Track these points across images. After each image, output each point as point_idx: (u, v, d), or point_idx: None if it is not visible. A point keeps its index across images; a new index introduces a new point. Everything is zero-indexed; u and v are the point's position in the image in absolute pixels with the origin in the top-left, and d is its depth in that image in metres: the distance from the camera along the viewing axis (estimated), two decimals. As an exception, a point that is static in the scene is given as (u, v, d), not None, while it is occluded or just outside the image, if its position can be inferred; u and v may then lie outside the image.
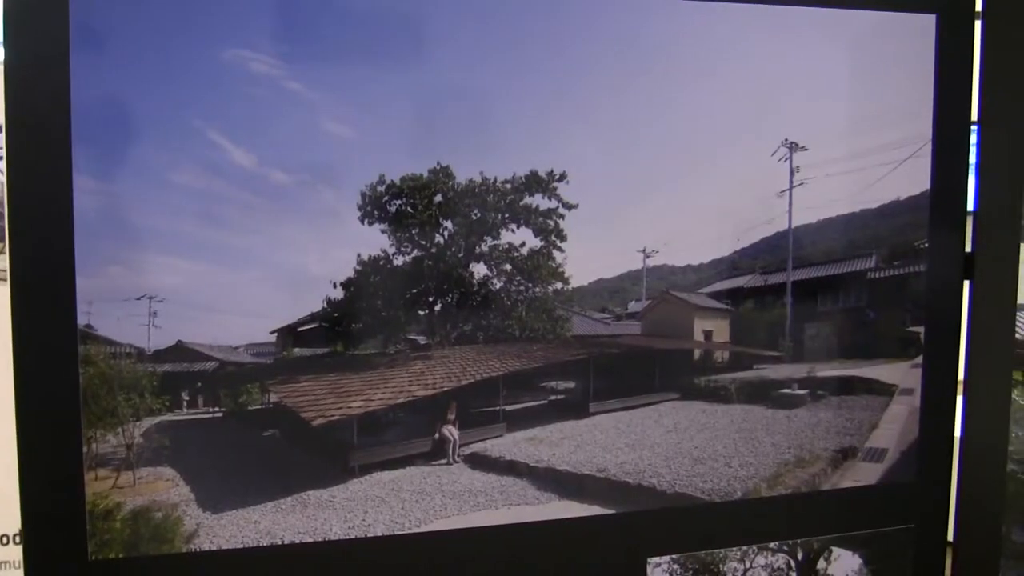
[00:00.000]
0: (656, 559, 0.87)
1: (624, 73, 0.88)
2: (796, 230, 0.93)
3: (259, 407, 0.81)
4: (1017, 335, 0.96)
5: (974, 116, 0.92)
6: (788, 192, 0.91)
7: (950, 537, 0.93)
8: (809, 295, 0.93)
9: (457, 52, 0.80)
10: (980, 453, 0.93)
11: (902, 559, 0.96)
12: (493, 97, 0.84)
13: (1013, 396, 0.93)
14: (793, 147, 0.92)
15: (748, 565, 0.92)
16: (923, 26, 0.92)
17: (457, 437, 0.85)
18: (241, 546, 0.75)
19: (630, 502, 0.88)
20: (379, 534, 0.81)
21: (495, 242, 0.87)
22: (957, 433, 0.93)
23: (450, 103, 0.82)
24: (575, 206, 0.88)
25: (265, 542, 0.77)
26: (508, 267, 0.89)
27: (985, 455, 0.93)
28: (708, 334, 0.91)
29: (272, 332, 0.79)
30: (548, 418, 0.88)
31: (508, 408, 0.88)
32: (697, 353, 0.91)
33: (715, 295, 0.91)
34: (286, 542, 0.77)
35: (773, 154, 0.92)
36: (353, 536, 0.80)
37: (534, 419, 0.89)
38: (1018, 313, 0.95)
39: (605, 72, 0.87)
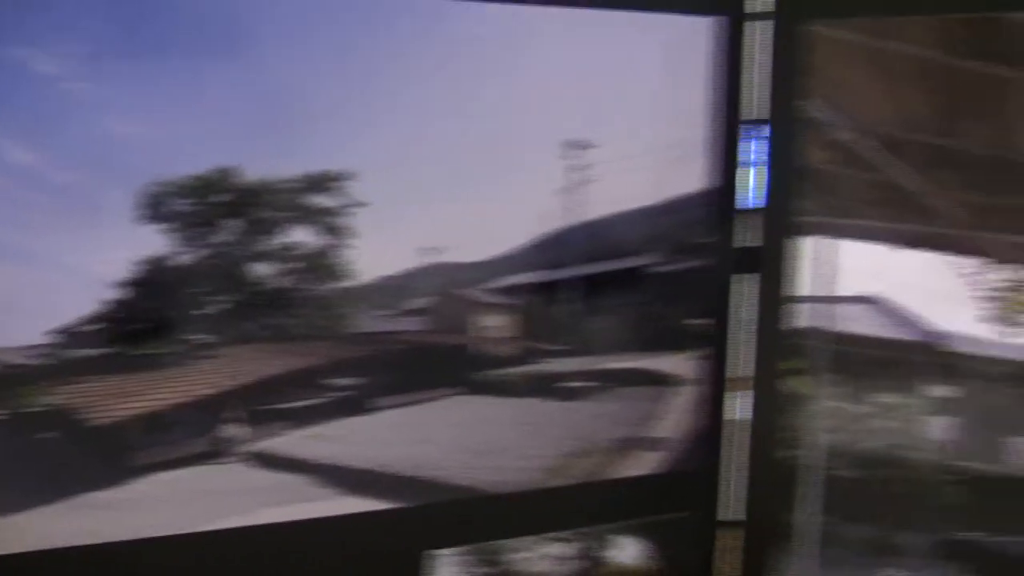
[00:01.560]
0: (438, 551, 0.96)
1: (419, 72, 0.98)
2: (584, 226, 1.04)
3: (35, 410, 0.87)
4: (797, 326, 1.08)
5: (756, 115, 1.04)
6: (577, 188, 1.02)
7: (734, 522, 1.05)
8: (596, 289, 1.04)
9: (250, 51, 0.87)
10: (766, 439, 1.05)
11: (682, 544, 1.07)
12: (286, 96, 0.92)
13: (795, 385, 1.05)
14: (582, 145, 1.02)
15: (536, 555, 1.02)
16: (703, 28, 1.03)
17: (241, 435, 0.94)
18: (12, 552, 0.79)
19: (413, 496, 0.98)
20: (160, 534, 0.88)
21: (280, 241, 0.96)
22: (736, 418, 1.05)
23: (242, 102, 0.90)
24: (364, 204, 0.97)
25: (41, 546, 0.82)
26: (294, 265, 0.97)
27: (770, 441, 1.05)
28: (493, 328, 1.01)
29: (50, 333, 0.85)
30: (332, 415, 0.98)
31: (292, 405, 0.97)
32: (483, 348, 1.01)
33: (502, 290, 1.01)
34: (62, 545, 0.82)
35: (563, 151, 1.02)
36: (132, 537, 0.87)
37: (318, 416, 0.98)
38: (797, 305, 1.07)
39: (400, 71, 0.97)
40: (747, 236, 1.26)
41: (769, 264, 1.27)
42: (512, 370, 1.20)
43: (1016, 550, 1.24)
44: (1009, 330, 1.23)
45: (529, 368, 1.21)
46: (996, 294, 1.26)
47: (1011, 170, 1.19)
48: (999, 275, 1.23)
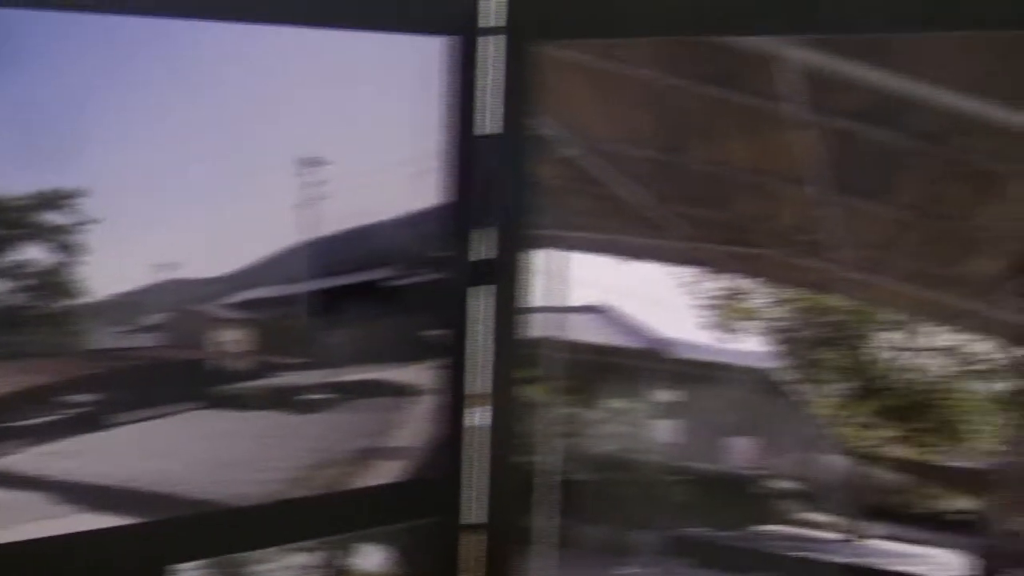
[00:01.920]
0: (180, 566, 2.36)
1: (151, 88, 2.34)
2: (321, 240, 2.49)
3: None
4: (532, 336, 2.60)
5: (491, 131, 2.55)
6: (312, 204, 2.49)
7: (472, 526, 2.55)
8: (334, 303, 2.50)
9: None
10: (504, 445, 2.56)
11: (427, 550, 2.57)
12: (17, 113, 2.20)
13: (531, 393, 2.58)
14: (316, 161, 2.49)
15: (279, 566, 2.48)
16: (436, 44, 2.53)
17: (-27, 455, 2.17)
18: None
19: (154, 511, 2.37)
20: None
21: (11, 258, 2.29)
22: (476, 425, 2.55)
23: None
24: (97, 221, 2.32)
25: None
26: (26, 283, 2.34)
27: (508, 447, 2.56)
28: (230, 343, 2.45)
29: None
30: (69, 431, 2.31)
31: (28, 423, 2.32)
32: (220, 362, 2.43)
33: (239, 305, 2.45)
34: None
35: (297, 168, 2.48)
36: None
37: (55, 433, 2.32)
38: (531, 316, 2.59)
39: (132, 87, 2.32)
40: (483, 249, 2.69)
41: (503, 276, 2.57)
42: (250, 384, 2.51)
43: (738, 543, 2.87)
44: (727, 336, 2.79)
45: (268, 382, 2.53)
46: (715, 302, 2.82)
47: (726, 185, 2.71)
48: (717, 284, 2.79)
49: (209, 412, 2.12)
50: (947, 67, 1.91)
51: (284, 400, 2.19)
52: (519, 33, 2.24)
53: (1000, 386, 2.30)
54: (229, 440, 2.14)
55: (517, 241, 2.30)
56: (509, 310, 2.21)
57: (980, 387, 2.32)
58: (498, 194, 2.17)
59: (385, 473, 2.25)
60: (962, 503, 2.66)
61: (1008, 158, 1.83)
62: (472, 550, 2.31)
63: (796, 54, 1.96)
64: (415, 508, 2.30)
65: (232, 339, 2.17)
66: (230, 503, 1.98)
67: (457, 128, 2.22)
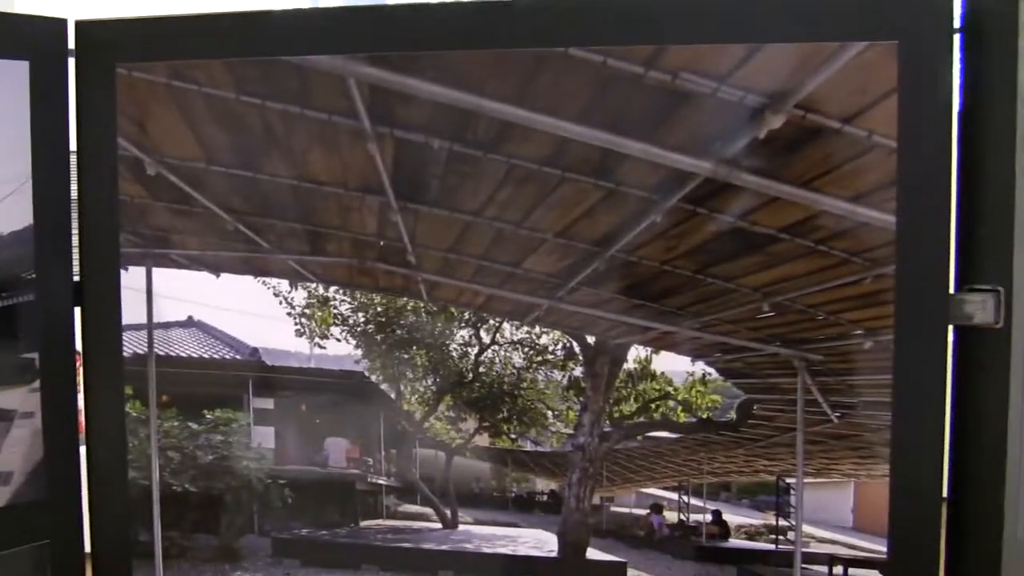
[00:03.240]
0: None
1: None
2: None
3: None
4: (125, 353, 3.25)
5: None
6: None
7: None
8: None
9: None
10: (101, 465, 3.19)
11: (42, 573, 3.17)
12: None
13: (128, 410, 3.23)
14: None
15: None
16: (23, 65, 3.15)
17: None
18: None
19: None
20: None
21: None
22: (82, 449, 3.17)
23: None
24: None
25: None
26: None
27: (107, 465, 3.20)
28: None
29: None
30: None
31: None
32: None
33: None
34: None
35: None
36: None
37: None
38: (123, 333, 3.25)
39: None
40: (73, 269, 3.30)
41: (91, 296, 3.42)
42: None
43: (342, 540, 3.68)
44: (317, 343, 3.58)
45: None
46: (303, 311, 3.62)
47: (307, 198, 3.48)
48: (303, 293, 3.58)
49: None
50: (492, 80, 2.40)
51: None
52: (90, 55, 2.67)
53: (567, 374, 3.22)
54: None
55: (103, 260, 2.74)
56: (98, 329, 2.84)
57: (550, 375, 3.22)
58: (83, 214, 2.79)
59: None
60: (543, 484, 3.60)
61: (554, 163, 2.68)
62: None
63: (361, 70, 2.43)
64: (28, 532, 2.72)
65: None
66: None
67: (52, 147, 2.63)
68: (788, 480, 2.92)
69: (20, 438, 2.70)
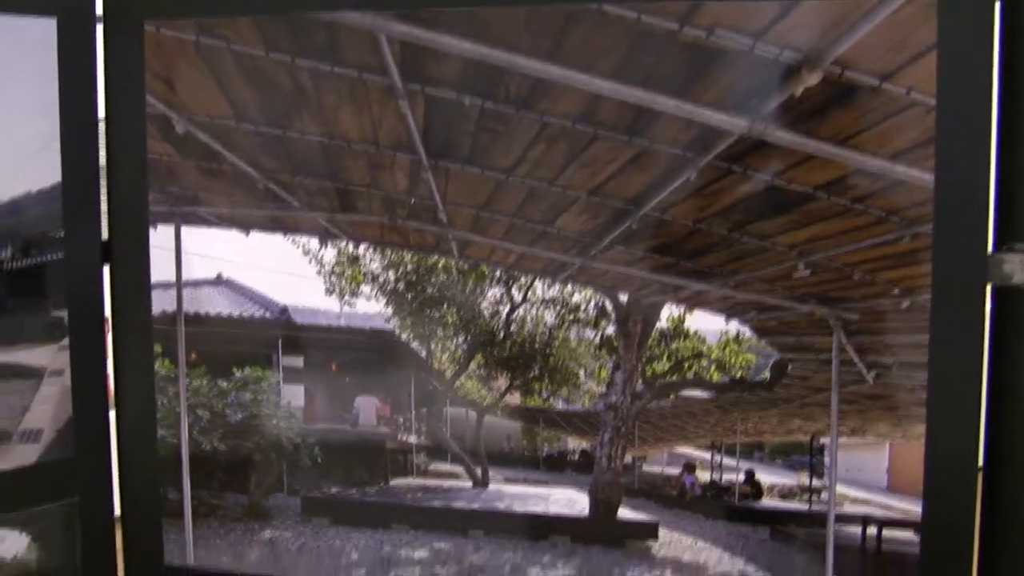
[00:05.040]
0: None
1: None
2: None
3: None
4: (155, 312, 3.29)
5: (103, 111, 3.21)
6: None
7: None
8: None
9: None
10: (135, 423, 3.24)
11: (70, 531, 3.23)
12: None
13: (159, 368, 3.27)
14: None
15: None
16: (51, 27, 3.17)
17: None
18: None
19: None
20: None
21: None
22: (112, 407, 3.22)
23: None
24: None
25: None
26: None
27: (139, 424, 3.24)
28: None
29: None
30: None
31: None
32: None
33: None
34: None
35: None
36: None
37: None
38: (153, 292, 3.29)
39: None
40: (102, 228, 3.33)
41: (120, 255, 3.45)
42: None
43: (371, 499, 3.71)
44: (348, 301, 3.60)
45: None
46: (334, 269, 3.65)
47: (337, 155, 3.49)
48: (334, 251, 3.60)
49: None
50: (524, 36, 2.35)
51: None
52: (118, 12, 2.64)
53: (599, 332, 3.23)
54: None
55: (132, 219, 2.75)
56: (128, 288, 2.86)
57: (582, 334, 3.24)
58: (112, 174, 2.80)
59: (18, 457, 2.64)
60: (575, 443, 3.63)
61: (587, 121, 2.66)
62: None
63: (391, 27, 2.38)
64: (55, 490, 2.72)
65: None
66: None
67: (77, 106, 2.60)
68: (822, 440, 2.93)
69: (49, 396, 2.70)
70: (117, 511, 2.65)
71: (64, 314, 2.80)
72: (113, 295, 2.65)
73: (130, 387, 2.67)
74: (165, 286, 2.62)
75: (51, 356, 2.76)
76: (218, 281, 2.58)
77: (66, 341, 2.78)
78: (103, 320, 2.63)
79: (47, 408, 2.74)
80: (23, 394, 2.73)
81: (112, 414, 2.65)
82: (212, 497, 2.69)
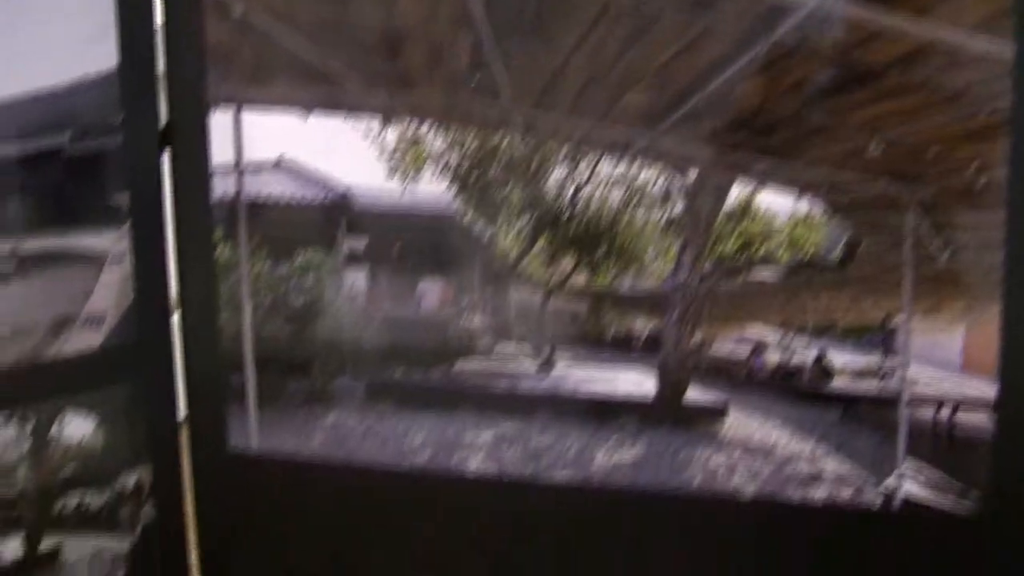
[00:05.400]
0: None
1: None
2: None
3: None
4: (215, 196, 3.28)
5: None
6: None
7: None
8: (14, 170, 3.11)
9: None
10: (197, 307, 3.24)
11: (136, 416, 3.24)
12: None
13: (220, 253, 3.27)
14: None
15: None
16: None
17: None
18: None
19: None
20: None
21: None
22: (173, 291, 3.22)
23: None
24: None
25: None
26: None
27: (202, 308, 3.24)
28: None
29: None
30: None
31: None
32: None
33: None
34: None
35: None
36: None
37: None
38: (214, 176, 3.27)
39: None
40: (161, 112, 3.28)
41: (179, 139, 3.39)
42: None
43: (435, 383, 3.71)
44: (409, 182, 3.56)
45: None
46: (395, 150, 3.59)
47: (399, 33, 3.43)
48: (395, 132, 3.54)
49: None
50: None
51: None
52: None
53: (667, 212, 3.16)
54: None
55: (191, 102, 2.68)
56: (188, 172, 2.82)
57: (650, 213, 3.18)
58: (170, 58, 2.74)
59: (82, 340, 2.62)
60: (642, 324, 3.59)
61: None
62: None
63: None
64: (119, 373, 2.72)
65: None
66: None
67: None
68: (895, 321, 2.85)
69: (112, 281, 2.71)
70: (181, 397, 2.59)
71: (124, 200, 2.69)
72: (173, 180, 2.59)
73: (191, 272, 2.63)
74: (225, 170, 2.53)
75: (112, 242, 2.70)
76: (279, 165, 2.52)
77: (127, 227, 2.68)
78: (163, 205, 2.56)
79: (109, 293, 2.73)
80: (85, 280, 2.72)
81: (174, 300, 2.60)
82: (276, 382, 2.67)
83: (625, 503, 1.51)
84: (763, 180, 2.43)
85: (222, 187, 2.78)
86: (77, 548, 2.23)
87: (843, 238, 2.57)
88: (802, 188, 2.37)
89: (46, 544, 2.30)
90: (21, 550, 2.49)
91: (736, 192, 2.43)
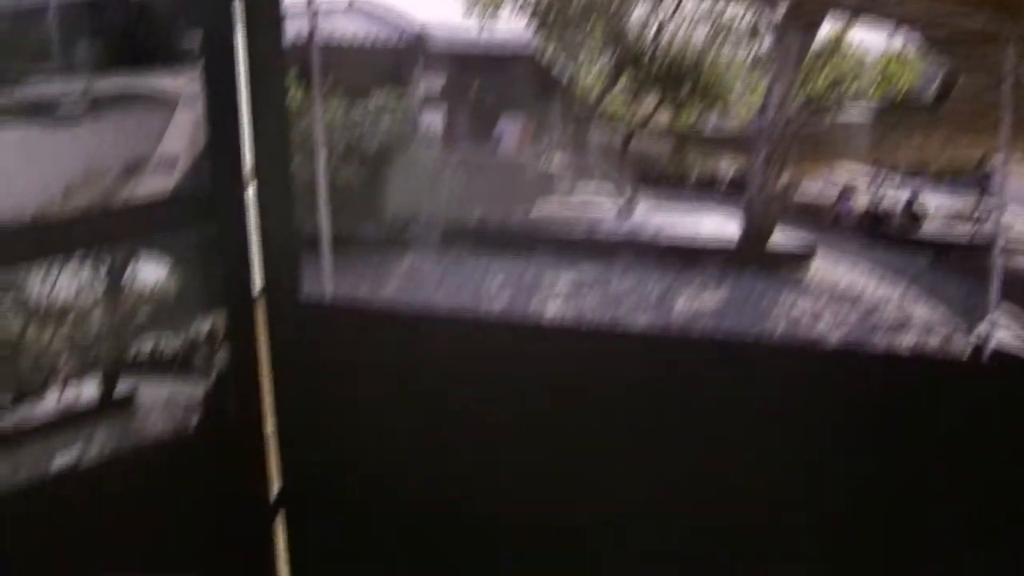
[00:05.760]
0: None
1: None
2: None
3: None
4: (288, 38, 3.25)
5: None
6: None
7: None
8: (81, 10, 3.09)
9: None
10: (269, 149, 3.22)
11: (209, 260, 3.25)
12: None
13: (293, 95, 3.23)
14: None
15: (55, 280, 3.14)
16: None
17: None
18: None
19: None
20: None
21: None
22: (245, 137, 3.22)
23: None
24: None
25: None
26: None
27: (273, 149, 3.23)
28: None
29: None
30: None
31: None
32: None
33: None
34: None
35: None
36: None
37: None
38: (285, 18, 3.23)
39: None
40: None
41: None
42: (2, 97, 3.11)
43: (511, 227, 3.63)
44: (487, 21, 3.42)
45: (21, 93, 3.15)
46: None
47: None
48: None
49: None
50: None
51: (37, 112, 2.33)
52: None
53: (754, 49, 3.07)
54: (-6, 155, 2.24)
55: None
56: (260, 13, 2.75)
57: (736, 51, 3.08)
58: None
59: (155, 183, 2.47)
60: (726, 165, 3.50)
61: None
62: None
63: None
64: (193, 217, 2.81)
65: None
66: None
67: None
68: (991, 162, 2.76)
69: (184, 123, 2.44)
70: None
71: (197, 40, 2.41)
72: (246, 20, 2.51)
73: (264, 115, 2.55)
74: (298, 11, 2.49)
75: (185, 83, 2.40)
76: (353, 5, 2.46)
77: (199, 69, 2.40)
78: (235, 47, 2.49)
79: (182, 136, 2.44)
80: (158, 122, 2.46)
81: (247, 142, 2.54)
82: (350, 226, 2.65)
83: (706, 350, 1.46)
84: (856, 14, 2.33)
85: (295, 28, 2.41)
86: (152, 393, 2.21)
87: (938, 76, 2.47)
88: (898, 21, 2.27)
89: (121, 388, 2.26)
90: (97, 393, 2.30)
91: (827, 28, 2.32)
